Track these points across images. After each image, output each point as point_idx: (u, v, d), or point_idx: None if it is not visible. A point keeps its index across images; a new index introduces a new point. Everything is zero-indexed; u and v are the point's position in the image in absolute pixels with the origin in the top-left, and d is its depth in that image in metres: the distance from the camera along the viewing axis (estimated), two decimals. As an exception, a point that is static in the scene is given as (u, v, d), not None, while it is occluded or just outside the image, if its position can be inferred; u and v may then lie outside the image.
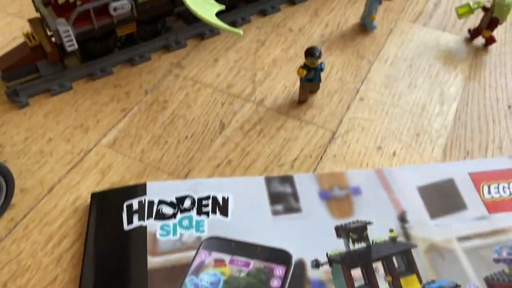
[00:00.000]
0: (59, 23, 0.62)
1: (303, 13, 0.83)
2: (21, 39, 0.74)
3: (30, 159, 0.60)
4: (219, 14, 0.65)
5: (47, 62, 0.68)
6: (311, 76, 0.64)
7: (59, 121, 0.64)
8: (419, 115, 0.65)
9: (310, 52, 0.62)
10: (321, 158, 0.60)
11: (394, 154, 0.60)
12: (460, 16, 0.76)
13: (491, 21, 0.73)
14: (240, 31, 0.62)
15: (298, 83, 0.67)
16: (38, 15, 0.67)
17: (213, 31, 0.77)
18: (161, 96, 0.68)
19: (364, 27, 0.79)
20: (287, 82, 0.70)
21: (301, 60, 0.71)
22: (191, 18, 0.76)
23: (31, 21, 0.68)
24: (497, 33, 0.76)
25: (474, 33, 0.77)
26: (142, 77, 0.71)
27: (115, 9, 0.64)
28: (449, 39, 0.78)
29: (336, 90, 0.69)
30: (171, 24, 0.77)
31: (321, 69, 0.64)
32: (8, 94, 0.66)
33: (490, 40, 0.75)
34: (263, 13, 0.82)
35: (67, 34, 0.63)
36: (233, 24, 0.79)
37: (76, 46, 0.64)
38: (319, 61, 0.63)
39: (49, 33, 0.65)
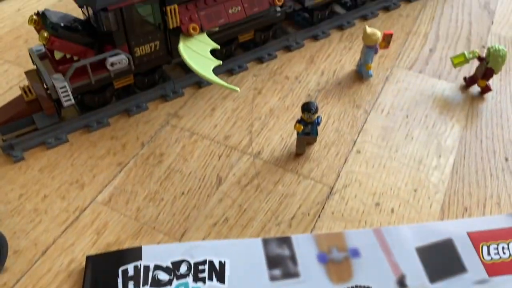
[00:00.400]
0: (56, 79, 0.62)
1: (299, 59, 0.83)
2: (17, 88, 0.74)
3: (25, 218, 0.59)
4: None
5: (43, 114, 0.68)
6: (308, 130, 0.64)
7: (54, 176, 0.64)
8: (416, 169, 0.65)
9: (307, 108, 0.62)
10: (319, 215, 0.59)
11: (392, 211, 0.60)
12: (455, 65, 0.76)
13: (486, 71, 0.74)
14: (237, 88, 0.62)
15: (295, 135, 0.67)
16: (34, 66, 0.67)
17: (210, 79, 0.77)
18: (158, 148, 0.67)
19: (360, 74, 0.80)
20: (284, 133, 0.70)
21: (298, 109, 0.72)
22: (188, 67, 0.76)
23: (27, 73, 0.68)
24: (492, 81, 0.76)
25: (469, 81, 0.77)
26: (139, 128, 0.70)
27: (112, 64, 0.65)
28: (445, 87, 0.78)
29: (333, 141, 0.69)
30: (169, 73, 0.77)
31: (318, 123, 0.64)
32: (3, 148, 0.66)
33: (486, 89, 0.76)
34: (260, 60, 0.82)
35: (64, 90, 0.63)
36: (229, 72, 0.80)
37: (72, 101, 0.64)
38: (316, 115, 0.63)
39: (45, 86, 0.65)
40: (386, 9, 0.95)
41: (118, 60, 0.65)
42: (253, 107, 0.74)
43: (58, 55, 0.63)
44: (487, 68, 0.73)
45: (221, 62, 0.68)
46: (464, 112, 0.74)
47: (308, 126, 0.64)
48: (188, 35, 0.68)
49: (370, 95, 0.76)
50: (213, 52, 0.69)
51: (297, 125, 0.63)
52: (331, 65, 0.82)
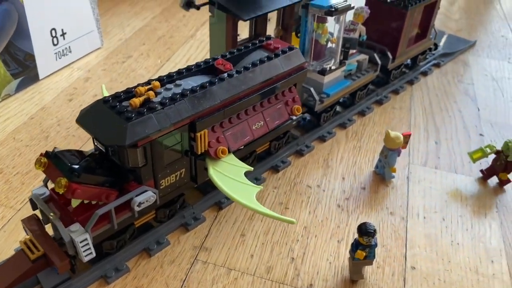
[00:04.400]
0: (74, 231, 0.52)
1: (314, 165, 0.79)
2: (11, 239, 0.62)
3: None
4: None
5: (51, 270, 0.55)
6: (365, 253, 0.58)
7: None
8: (476, 280, 0.61)
9: (366, 231, 0.57)
10: None
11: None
12: (474, 161, 0.77)
13: (507, 165, 0.74)
14: (293, 219, 0.56)
15: (341, 256, 0.61)
16: (34, 212, 0.56)
17: (231, 198, 0.70)
18: (195, 294, 0.58)
19: (380, 175, 0.77)
20: (330, 256, 0.63)
21: (333, 224, 0.67)
22: (205, 187, 0.69)
23: (26, 222, 0.56)
24: (508, 172, 0.77)
25: (488, 174, 0.77)
26: (164, 270, 0.60)
27: (139, 205, 0.55)
28: (466, 182, 0.77)
29: (383, 259, 0.64)
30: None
31: (376, 245, 0.59)
32: (2, 323, 0.52)
33: (506, 181, 0.76)
34: (276, 169, 0.77)
35: (85, 244, 0.52)
36: (247, 186, 0.73)
37: (94, 254, 0.53)
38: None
39: (56, 238, 0.54)
40: (379, 102, 0.96)
41: (146, 198, 0.55)
42: (285, 226, 0.67)
43: (75, 202, 0.53)
44: (507, 161, 0.74)
45: (252, 169, 0.63)
46: (494, 207, 0.73)
47: (366, 249, 0.58)
48: (216, 159, 0.62)
49: (399, 199, 0.73)
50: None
51: (359, 252, 0.57)
52: (348, 168, 0.79)
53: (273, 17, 0.94)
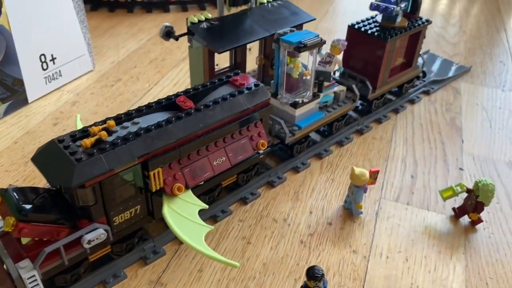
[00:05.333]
0: (23, 268, 0.53)
1: (284, 196, 0.79)
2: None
3: None
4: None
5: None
6: (314, 297, 0.58)
7: None
8: (431, 327, 0.60)
9: (313, 276, 0.56)
10: None
11: None
12: (445, 199, 0.75)
13: (477, 205, 0.73)
14: (236, 263, 0.56)
15: (297, 298, 0.61)
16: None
17: (193, 231, 0.71)
18: (143, 330, 0.58)
19: (349, 210, 0.77)
20: (284, 296, 0.64)
21: (293, 261, 0.67)
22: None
23: (-16, 254, 0.58)
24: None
25: (459, 213, 0.76)
26: (118, 304, 0.61)
27: (89, 242, 0.57)
28: (436, 220, 0.76)
29: (338, 301, 0.63)
30: (147, 228, 0.70)
31: (325, 288, 0.59)
32: None
33: (478, 221, 0.74)
34: (244, 201, 0.78)
35: (33, 280, 0.53)
36: (213, 218, 0.74)
37: (42, 289, 0.55)
38: (322, 281, 0.58)
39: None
40: (360, 132, 0.95)
41: (96, 236, 0.57)
42: (244, 262, 0.68)
43: (25, 239, 0.55)
44: (477, 202, 0.73)
45: (207, 206, 0.64)
46: (461, 248, 0.71)
47: (314, 293, 0.58)
48: (173, 196, 0.63)
49: (365, 236, 0.73)
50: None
51: (305, 297, 0.57)
52: (317, 201, 0.79)
53: (255, 45, 0.95)
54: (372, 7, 0.85)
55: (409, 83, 1.04)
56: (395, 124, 0.99)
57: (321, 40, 0.76)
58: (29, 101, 1.00)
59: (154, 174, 0.60)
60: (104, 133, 0.57)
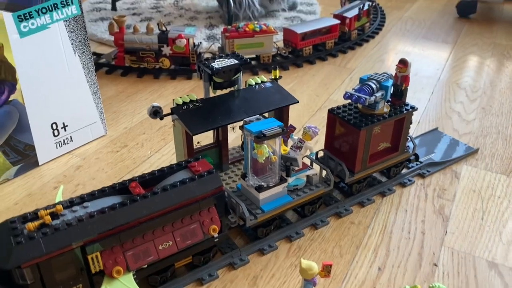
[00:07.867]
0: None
1: (242, 280, 0.80)
2: None
3: None
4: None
5: None
6: None
7: None
8: None
9: None
10: None
11: None
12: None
13: (429, 312, 0.69)
14: None
15: None
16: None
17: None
18: None
19: (303, 301, 0.76)
20: None
21: None
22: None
23: None
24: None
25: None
26: None
27: (24, 318, 0.62)
28: (391, 321, 0.73)
29: None
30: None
31: None
32: None
33: (433, 329, 0.71)
34: (200, 282, 0.80)
35: None
36: (165, 299, 0.77)
37: None
38: None
39: None
40: (338, 215, 0.95)
41: (31, 314, 0.62)
42: None
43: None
44: (430, 308, 0.69)
45: None
46: None
47: None
48: (112, 278, 0.66)
49: (309, 333, 0.71)
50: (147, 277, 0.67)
51: None
52: (274, 287, 0.79)
53: (239, 124, 0.99)
54: (345, 96, 0.87)
55: (397, 167, 1.02)
56: (377, 209, 0.97)
57: (283, 130, 0.79)
58: (40, 164, 1.10)
59: (92, 258, 0.64)
60: (48, 217, 0.63)
